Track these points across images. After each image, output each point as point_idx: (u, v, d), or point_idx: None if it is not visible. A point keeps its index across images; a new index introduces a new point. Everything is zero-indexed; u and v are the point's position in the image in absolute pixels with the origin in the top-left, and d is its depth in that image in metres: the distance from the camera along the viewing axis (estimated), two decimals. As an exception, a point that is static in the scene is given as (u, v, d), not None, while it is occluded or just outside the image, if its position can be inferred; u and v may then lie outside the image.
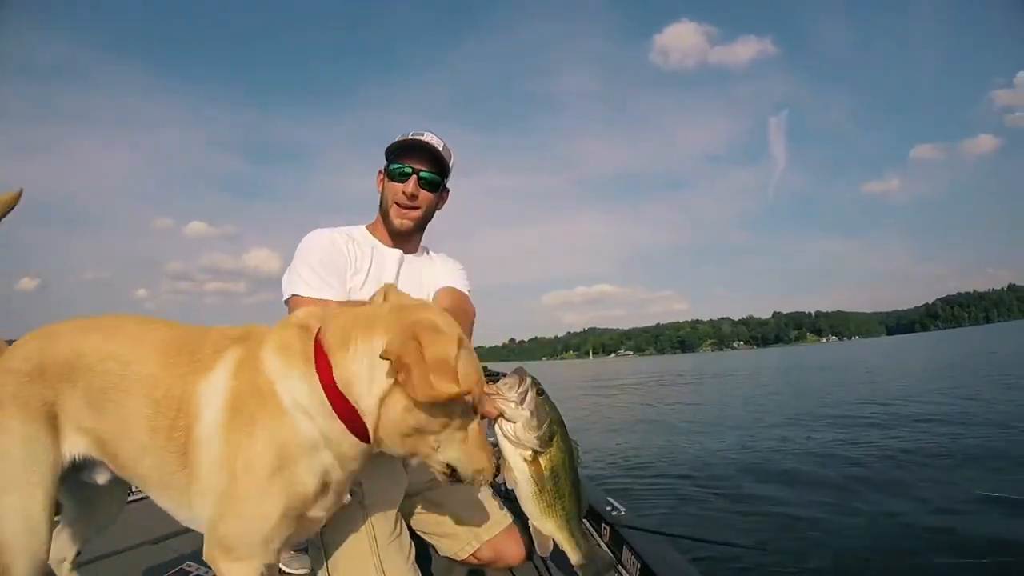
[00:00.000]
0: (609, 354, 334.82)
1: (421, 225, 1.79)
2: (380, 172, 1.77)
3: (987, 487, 4.99)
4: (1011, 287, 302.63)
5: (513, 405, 1.30)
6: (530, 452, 1.32)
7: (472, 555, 1.76)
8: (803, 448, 7.51)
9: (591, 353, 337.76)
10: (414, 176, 1.68)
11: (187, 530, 1.93)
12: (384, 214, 1.75)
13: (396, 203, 1.71)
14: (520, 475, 1.34)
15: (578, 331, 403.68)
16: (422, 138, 1.70)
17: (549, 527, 1.40)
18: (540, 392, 1.33)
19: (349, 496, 1.41)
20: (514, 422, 1.31)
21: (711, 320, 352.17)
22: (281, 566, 1.76)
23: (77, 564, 1.71)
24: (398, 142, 1.72)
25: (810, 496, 5.21)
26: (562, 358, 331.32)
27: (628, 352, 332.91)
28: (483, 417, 1.27)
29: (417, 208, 1.72)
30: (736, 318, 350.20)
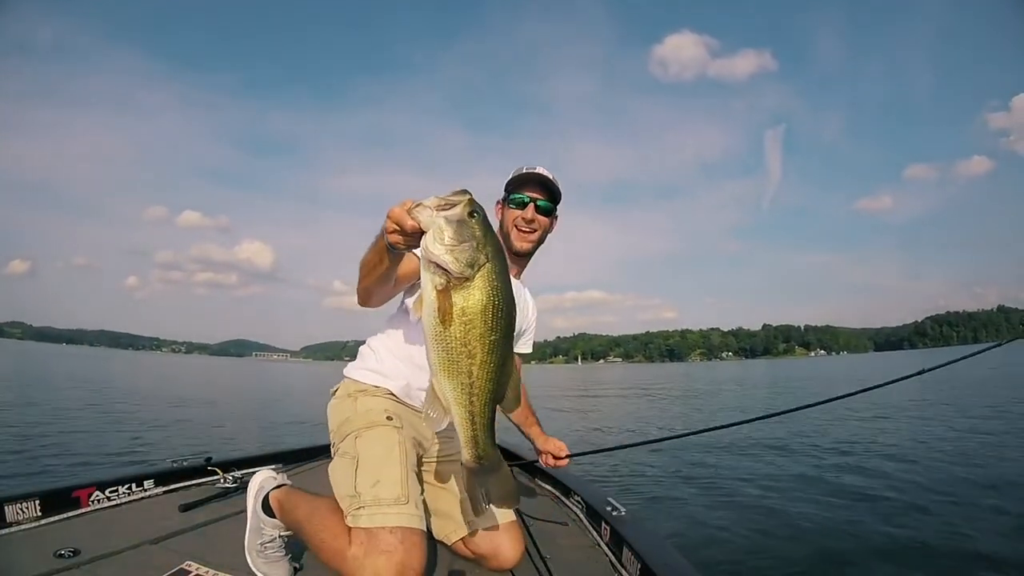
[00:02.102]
0: (598, 360, 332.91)
1: (537, 247, 2.04)
2: (498, 202, 2.04)
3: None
4: (1000, 308, 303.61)
5: (430, 212, 1.10)
6: (442, 278, 1.10)
7: (463, 542, 1.76)
8: (801, 450, 7.36)
9: (579, 359, 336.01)
10: (532, 204, 1.94)
11: (187, 530, 2.16)
12: (504, 237, 1.96)
13: (516, 227, 1.96)
14: (425, 307, 1.13)
15: (568, 336, 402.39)
16: (536, 171, 1.96)
17: (446, 390, 1.17)
18: (474, 214, 1.11)
19: (388, 419, 1.65)
20: (427, 232, 1.11)
21: (700, 330, 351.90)
22: (257, 572, 1.76)
23: (77, 564, 1.72)
24: (516, 176, 1.98)
25: (810, 497, 5.05)
26: (551, 363, 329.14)
27: (617, 359, 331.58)
28: (407, 235, 1.17)
29: (535, 231, 1.98)
30: (725, 328, 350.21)
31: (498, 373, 1.17)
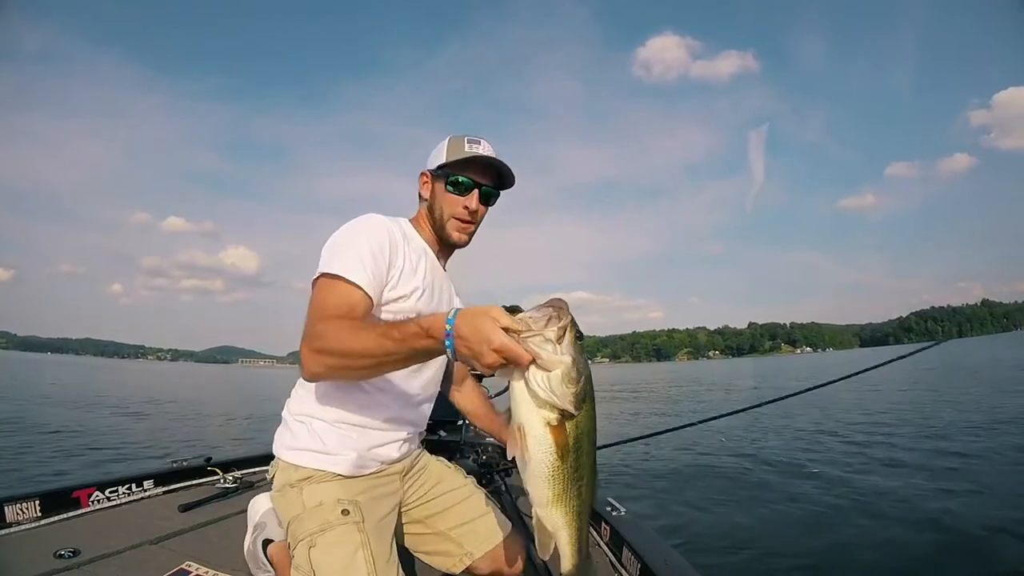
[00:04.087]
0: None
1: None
2: (425, 175, 1.58)
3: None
4: (984, 302, 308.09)
5: (551, 348, 0.96)
6: (556, 414, 0.99)
7: (467, 569, 1.66)
8: (802, 449, 7.27)
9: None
10: (476, 191, 1.53)
11: (187, 530, 2.17)
12: (439, 226, 1.57)
13: (456, 217, 1.55)
14: (537, 445, 1.01)
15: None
16: (481, 150, 1.53)
17: (556, 518, 1.09)
18: (580, 336, 1.00)
19: (343, 515, 1.37)
20: (548, 371, 0.96)
21: (687, 329, 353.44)
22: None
23: (77, 564, 1.74)
24: (462, 159, 1.51)
25: (809, 498, 4.96)
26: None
27: (604, 359, 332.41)
28: (505, 365, 0.99)
29: (475, 223, 1.59)
30: (712, 327, 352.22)
31: (595, 478, 1.10)
